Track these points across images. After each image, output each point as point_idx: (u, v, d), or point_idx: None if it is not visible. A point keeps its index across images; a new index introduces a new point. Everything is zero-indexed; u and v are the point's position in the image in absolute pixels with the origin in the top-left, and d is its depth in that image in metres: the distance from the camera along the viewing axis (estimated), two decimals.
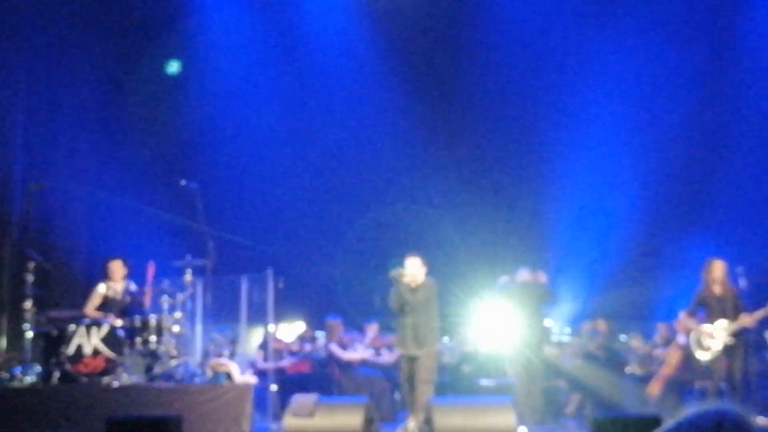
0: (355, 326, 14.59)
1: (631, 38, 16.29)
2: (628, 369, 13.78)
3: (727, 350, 11.01)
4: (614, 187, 16.77)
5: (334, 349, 13.58)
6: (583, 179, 16.71)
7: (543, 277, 12.68)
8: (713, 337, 11.03)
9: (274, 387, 11.41)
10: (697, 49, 16.20)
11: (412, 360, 10.58)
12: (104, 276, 11.69)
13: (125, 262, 11.73)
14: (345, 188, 17.10)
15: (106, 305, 11.49)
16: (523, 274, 12.65)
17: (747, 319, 10.94)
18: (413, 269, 10.56)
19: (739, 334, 11.04)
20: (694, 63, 16.22)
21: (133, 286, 11.69)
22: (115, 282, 11.60)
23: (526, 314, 12.34)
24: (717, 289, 11.19)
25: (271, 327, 12.30)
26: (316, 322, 15.59)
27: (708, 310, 11.26)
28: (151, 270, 11.54)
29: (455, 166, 17.18)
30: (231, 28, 16.26)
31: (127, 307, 11.51)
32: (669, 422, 1.51)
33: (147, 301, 11.60)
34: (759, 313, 10.95)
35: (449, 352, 14.47)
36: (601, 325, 14.32)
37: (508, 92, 16.72)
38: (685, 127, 16.31)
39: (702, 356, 11.19)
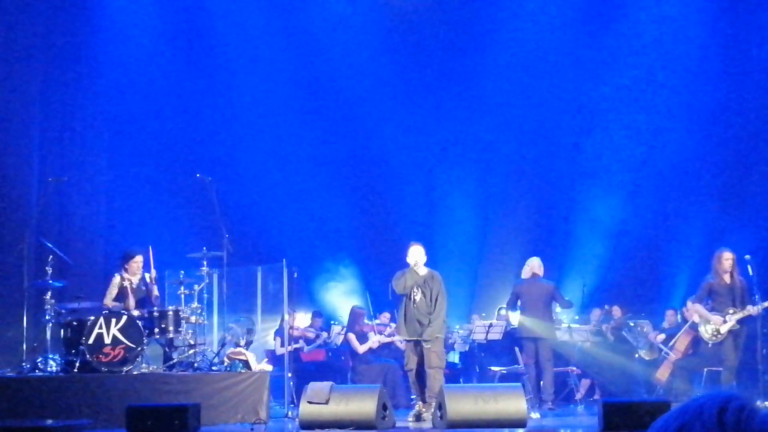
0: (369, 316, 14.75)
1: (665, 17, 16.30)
2: (638, 355, 13.92)
3: (734, 335, 11.13)
4: (630, 179, 16.76)
5: (352, 339, 13.68)
6: (599, 166, 16.75)
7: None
8: (721, 324, 11.13)
9: (289, 374, 11.58)
10: (725, 38, 16.16)
11: (417, 345, 10.80)
12: (121, 267, 11.86)
13: (141, 254, 11.90)
14: (357, 178, 17.21)
15: (124, 296, 11.65)
16: (534, 263, 12.84)
17: (753, 309, 11.05)
18: (417, 257, 10.81)
19: (744, 322, 11.17)
20: (724, 51, 16.20)
21: (149, 277, 11.85)
22: (131, 273, 11.76)
23: (537, 304, 12.55)
24: (726, 279, 11.27)
25: (286, 316, 12.45)
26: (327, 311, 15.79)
27: (716, 298, 11.32)
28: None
29: (468, 152, 17.21)
30: (236, 17, 16.33)
31: (143, 298, 11.69)
32: (675, 407, 1.52)
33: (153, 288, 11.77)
34: (765, 304, 11.05)
35: (461, 340, 14.64)
36: (616, 311, 14.47)
37: (525, 77, 16.64)
38: (711, 116, 16.25)
39: (710, 341, 11.32)
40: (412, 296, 10.78)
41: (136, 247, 12.11)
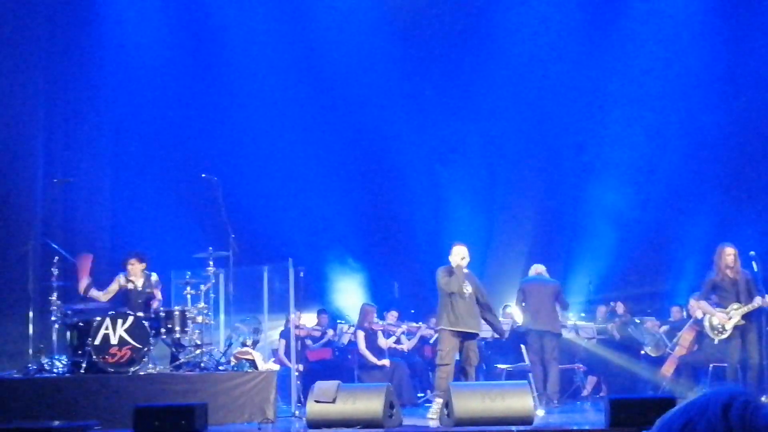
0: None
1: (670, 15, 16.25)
2: (643, 351, 13.92)
3: (740, 331, 11.09)
4: (637, 175, 16.71)
5: (359, 337, 13.67)
6: (605, 162, 16.70)
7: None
8: (727, 320, 11.09)
9: (296, 374, 11.59)
10: (733, 30, 16.08)
11: (464, 338, 10.87)
12: (124, 270, 11.87)
13: (142, 257, 11.89)
14: (363, 177, 17.19)
15: (128, 297, 11.67)
16: (538, 268, 12.96)
17: (759, 301, 11.00)
18: (465, 254, 10.98)
19: (750, 316, 11.12)
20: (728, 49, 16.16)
21: (154, 278, 11.86)
22: (135, 276, 11.76)
23: (543, 300, 12.58)
24: (729, 274, 11.22)
25: (292, 315, 12.44)
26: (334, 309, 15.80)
27: (720, 294, 11.28)
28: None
29: (474, 149, 17.17)
30: (241, 16, 16.30)
31: (149, 299, 11.70)
32: (680, 404, 1.53)
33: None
34: None
35: None
36: (620, 307, 14.48)
37: (532, 70, 16.59)
38: (719, 110, 16.16)
39: (716, 338, 11.29)
40: (463, 291, 10.85)
41: (139, 249, 12.13)
